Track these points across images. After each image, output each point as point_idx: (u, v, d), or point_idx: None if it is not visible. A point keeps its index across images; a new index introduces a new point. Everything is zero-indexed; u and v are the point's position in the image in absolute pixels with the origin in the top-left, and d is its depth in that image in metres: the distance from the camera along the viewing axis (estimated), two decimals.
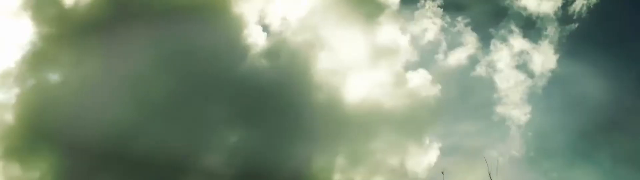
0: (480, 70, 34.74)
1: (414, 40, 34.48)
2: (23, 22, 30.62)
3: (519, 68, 34.54)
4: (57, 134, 28.30)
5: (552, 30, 34.61)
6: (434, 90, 33.64)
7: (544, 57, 34.24)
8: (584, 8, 34.54)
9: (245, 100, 31.41)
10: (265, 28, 33.01)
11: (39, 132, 28.37)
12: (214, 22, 32.15)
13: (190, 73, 31.25)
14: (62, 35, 30.43)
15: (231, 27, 32.44)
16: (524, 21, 34.97)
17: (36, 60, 30.18)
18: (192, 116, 30.44)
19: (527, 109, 33.43)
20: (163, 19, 31.06)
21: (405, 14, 34.37)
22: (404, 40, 33.87)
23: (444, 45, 34.98)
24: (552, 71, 33.99)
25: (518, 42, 34.68)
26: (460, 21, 34.92)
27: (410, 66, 33.87)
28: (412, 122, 33.18)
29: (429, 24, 34.81)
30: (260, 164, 30.31)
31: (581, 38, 34.60)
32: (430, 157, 32.51)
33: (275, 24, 33.38)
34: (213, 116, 30.88)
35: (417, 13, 34.84)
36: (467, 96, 34.27)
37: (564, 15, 34.75)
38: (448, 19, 34.78)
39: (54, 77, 29.80)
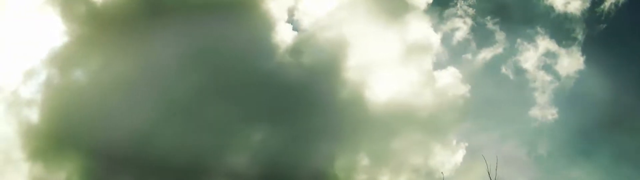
0: (507, 70, 34.60)
1: (445, 38, 34.29)
2: (51, 19, 29.87)
3: (546, 68, 34.46)
4: (82, 134, 28.05)
5: (579, 31, 34.45)
6: (463, 89, 33.50)
7: (571, 58, 34.13)
8: (613, 8, 34.34)
9: (270, 99, 31.06)
10: (294, 25, 32.63)
11: (64, 132, 28.03)
12: (242, 20, 31.65)
13: (217, 71, 30.83)
14: (91, 33, 29.85)
15: (259, 25, 31.96)
16: (551, 22, 34.81)
17: (63, 58, 29.53)
18: (217, 115, 30.10)
19: (554, 110, 33.43)
20: (191, 17, 30.54)
21: (436, 12, 34.05)
22: (434, 38, 33.60)
23: (473, 44, 34.77)
24: (579, 72, 33.92)
25: (545, 43, 34.54)
26: (490, 20, 34.66)
27: (440, 65, 33.71)
28: (439, 121, 33.01)
29: (460, 23, 34.56)
30: (284, 163, 30.10)
31: (608, 39, 34.44)
32: (457, 157, 32.50)
33: (303, 21, 32.98)
34: (237, 115, 30.53)
35: (447, 12, 34.53)
36: (495, 96, 34.11)
37: (591, 16, 34.56)
38: (479, 18, 34.49)
39: (80, 76, 29.17)
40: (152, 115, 28.64)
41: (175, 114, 28.81)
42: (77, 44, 29.74)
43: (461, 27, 34.72)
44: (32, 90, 28.92)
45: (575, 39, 34.26)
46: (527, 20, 34.69)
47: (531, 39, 34.74)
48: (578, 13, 34.72)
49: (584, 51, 34.25)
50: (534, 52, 34.66)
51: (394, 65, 33.37)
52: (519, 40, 34.90)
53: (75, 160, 28.14)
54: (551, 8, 34.92)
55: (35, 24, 29.99)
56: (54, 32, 29.85)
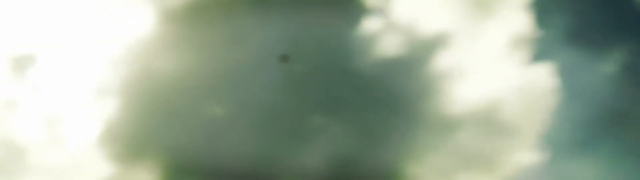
0: (606, 67, 32.71)
1: (546, 32, 32.38)
2: (141, 10, 29.47)
3: None
4: (159, 135, 28.25)
5: None
6: (553, 86, 32.10)
7: None
8: None
9: (348, 93, 30.60)
10: (384, 17, 31.31)
11: (143, 133, 28.31)
12: (330, 11, 30.61)
13: (300, 64, 30.36)
14: (182, 26, 29.34)
15: (347, 17, 30.87)
16: None
17: (149, 51, 29.45)
18: (290, 111, 29.92)
19: None
20: (278, 11, 29.71)
21: (538, 5, 31.98)
22: (531, 33, 31.89)
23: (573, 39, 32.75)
24: None
25: None
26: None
27: (535, 60, 32.16)
28: (524, 121, 32.04)
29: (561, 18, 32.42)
30: (355, 161, 30.06)
31: None
32: (539, 159, 31.70)
33: (394, 13, 31.60)
34: (313, 110, 30.28)
35: (550, 5, 32.36)
36: (589, 95, 32.52)
37: None
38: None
39: (165, 72, 29.06)
40: (226, 114, 28.74)
41: (253, 116, 28.83)
42: (165, 37, 29.51)
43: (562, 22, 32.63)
44: (114, 84, 29.00)
45: None
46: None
47: None
48: None
49: None
50: None
51: (488, 59, 32.14)
52: None
53: (151, 163, 28.65)
54: None
55: (122, 13, 29.69)
56: (142, 21, 29.57)
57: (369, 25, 31.17)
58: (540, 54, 32.19)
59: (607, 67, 32.89)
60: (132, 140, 28.12)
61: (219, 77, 29.31)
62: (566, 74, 32.14)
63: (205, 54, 29.43)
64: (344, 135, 30.00)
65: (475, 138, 31.26)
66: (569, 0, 32.82)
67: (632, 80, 32.60)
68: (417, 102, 30.91)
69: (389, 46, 31.21)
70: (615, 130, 32.33)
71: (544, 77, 32.13)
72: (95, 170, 28.25)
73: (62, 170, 28.17)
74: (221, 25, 29.45)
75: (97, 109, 29.01)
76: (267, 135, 28.98)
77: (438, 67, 31.40)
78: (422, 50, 31.42)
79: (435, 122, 30.91)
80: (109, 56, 29.29)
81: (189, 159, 27.92)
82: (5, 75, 29.14)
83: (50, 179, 28.06)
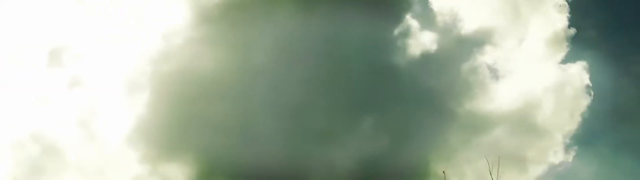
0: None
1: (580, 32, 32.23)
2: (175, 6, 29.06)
3: None
4: (192, 135, 27.96)
5: None
6: (586, 86, 32.04)
7: None
8: None
9: (381, 89, 30.35)
10: (424, 16, 31.14)
11: (175, 132, 28.00)
12: (367, 8, 30.24)
13: (336, 61, 30.05)
14: (219, 25, 28.88)
15: (386, 16, 30.53)
16: None
17: (184, 52, 29.01)
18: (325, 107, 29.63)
19: None
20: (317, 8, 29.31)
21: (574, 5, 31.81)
22: (566, 33, 31.76)
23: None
24: None
25: None
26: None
27: (569, 60, 32.09)
28: (556, 120, 32.00)
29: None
30: (386, 158, 29.86)
31: None
32: (567, 158, 31.74)
33: (433, 12, 31.44)
34: (346, 107, 30.01)
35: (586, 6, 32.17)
36: (620, 95, 32.44)
37: None
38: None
39: (199, 70, 28.70)
40: (259, 114, 28.43)
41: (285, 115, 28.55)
42: (202, 34, 29.10)
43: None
44: (147, 82, 28.70)
45: None
46: None
47: None
48: None
49: None
50: None
51: (521, 58, 32.07)
52: None
53: (182, 162, 28.39)
54: None
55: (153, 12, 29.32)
56: (177, 16, 29.21)
57: (409, 23, 30.99)
58: (573, 53, 32.12)
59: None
60: (163, 140, 27.92)
61: (252, 76, 29.03)
62: (598, 74, 32.06)
63: (241, 53, 29.12)
64: (377, 134, 29.89)
65: (508, 136, 31.24)
66: (603, 1, 32.64)
67: None
68: (452, 101, 30.79)
69: (427, 44, 31.08)
70: None
71: (577, 77, 32.07)
72: (128, 168, 28.16)
73: (97, 169, 28.11)
74: (258, 24, 29.12)
75: (130, 107, 28.83)
76: (298, 135, 28.80)
77: (475, 66, 31.31)
78: (460, 49, 31.29)
79: (469, 120, 30.83)
80: (143, 54, 29.05)
81: (219, 158, 27.77)
82: (40, 72, 28.97)
83: (85, 178, 27.99)
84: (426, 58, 30.85)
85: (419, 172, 30.44)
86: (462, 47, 31.08)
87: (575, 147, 31.63)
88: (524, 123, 31.69)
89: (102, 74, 29.15)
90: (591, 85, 31.96)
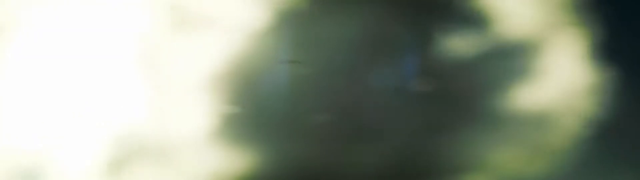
0: None
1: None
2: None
3: None
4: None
5: None
6: (616, 89, 31.31)
7: None
8: None
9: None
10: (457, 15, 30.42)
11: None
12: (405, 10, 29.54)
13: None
14: (299, 13, 27.53)
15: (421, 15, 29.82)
16: None
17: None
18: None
19: None
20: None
21: None
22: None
23: None
24: None
25: None
26: None
27: (598, 60, 31.29)
28: (584, 121, 31.13)
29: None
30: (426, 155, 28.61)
31: None
32: None
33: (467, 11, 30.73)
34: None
35: None
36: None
37: None
38: None
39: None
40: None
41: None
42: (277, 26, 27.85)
43: None
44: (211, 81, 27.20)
45: None
46: None
47: None
48: None
49: None
50: None
51: (551, 59, 31.35)
52: None
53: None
54: None
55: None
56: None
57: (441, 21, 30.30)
58: (604, 55, 31.46)
59: None
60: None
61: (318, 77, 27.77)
62: (627, 77, 31.32)
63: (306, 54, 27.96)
64: (408, 133, 28.76)
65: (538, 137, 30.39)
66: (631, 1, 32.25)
67: None
68: (486, 99, 29.93)
69: (461, 44, 30.33)
70: None
71: (606, 79, 31.42)
72: None
73: None
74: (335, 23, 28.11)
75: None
76: (332, 134, 27.43)
77: (509, 65, 30.61)
78: (495, 48, 30.63)
79: (503, 120, 29.96)
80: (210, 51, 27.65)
81: None
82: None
83: None
84: (460, 56, 30.12)
85: (452, 171, 29.41)
86: (496, 46, 30.41)
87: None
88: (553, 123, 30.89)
89: (171, 71, 27.76)
90: (622, 88, 31.21)
